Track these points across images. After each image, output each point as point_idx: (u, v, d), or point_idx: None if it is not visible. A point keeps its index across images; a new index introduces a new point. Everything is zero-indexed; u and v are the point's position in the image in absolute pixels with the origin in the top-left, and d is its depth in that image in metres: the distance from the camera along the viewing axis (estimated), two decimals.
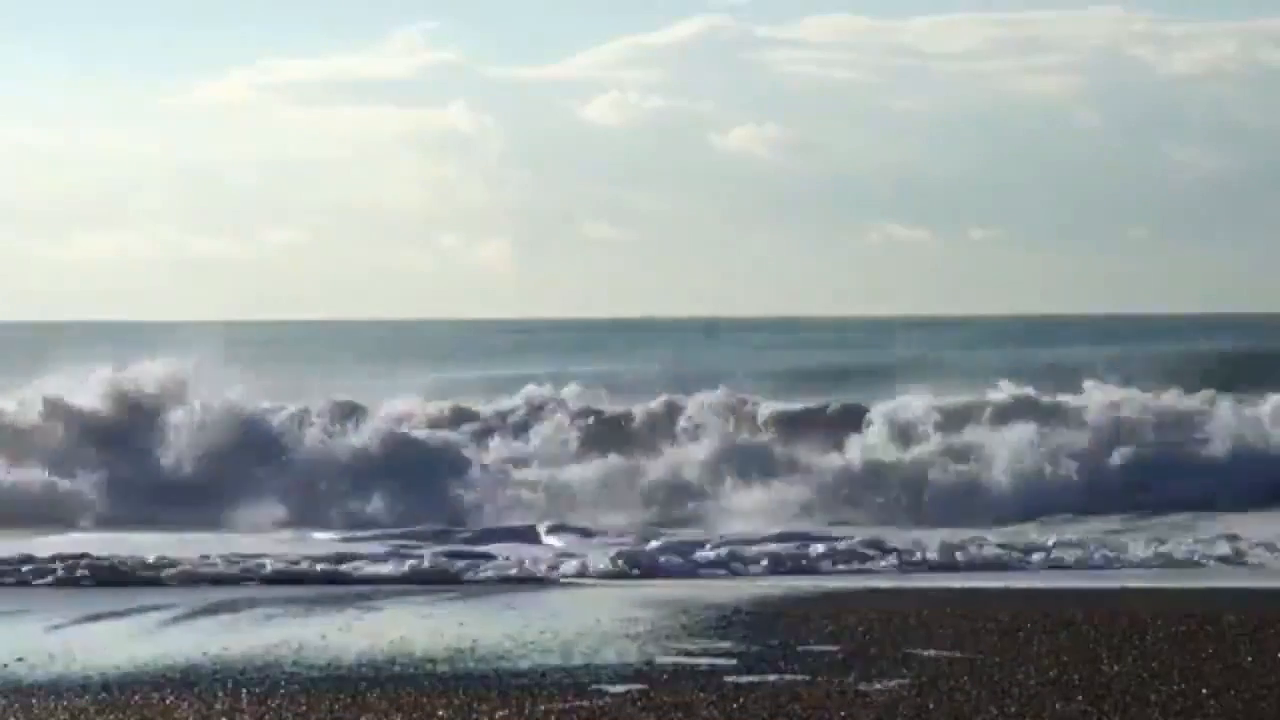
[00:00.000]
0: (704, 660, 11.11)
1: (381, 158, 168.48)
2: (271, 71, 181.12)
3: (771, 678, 10.49)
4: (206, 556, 17.01)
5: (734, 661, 11.07)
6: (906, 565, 17.15)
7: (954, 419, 25.19)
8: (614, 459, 23.99)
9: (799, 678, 10.48)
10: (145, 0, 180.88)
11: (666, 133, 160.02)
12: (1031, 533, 19.59)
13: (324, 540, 19.60)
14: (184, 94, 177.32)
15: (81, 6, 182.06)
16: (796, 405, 26.83)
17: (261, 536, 19.75)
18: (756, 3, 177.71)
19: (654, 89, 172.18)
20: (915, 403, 25.82)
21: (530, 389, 27.32)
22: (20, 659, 11.34)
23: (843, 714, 9.48)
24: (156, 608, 13.90)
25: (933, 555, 17.45)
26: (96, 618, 13.41)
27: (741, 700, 9.83)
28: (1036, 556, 17.62)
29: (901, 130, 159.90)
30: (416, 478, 23.15)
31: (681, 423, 25.37)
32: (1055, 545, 17.99)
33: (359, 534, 20.05)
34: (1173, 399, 26.22)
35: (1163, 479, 23.36)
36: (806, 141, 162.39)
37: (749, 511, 21.76)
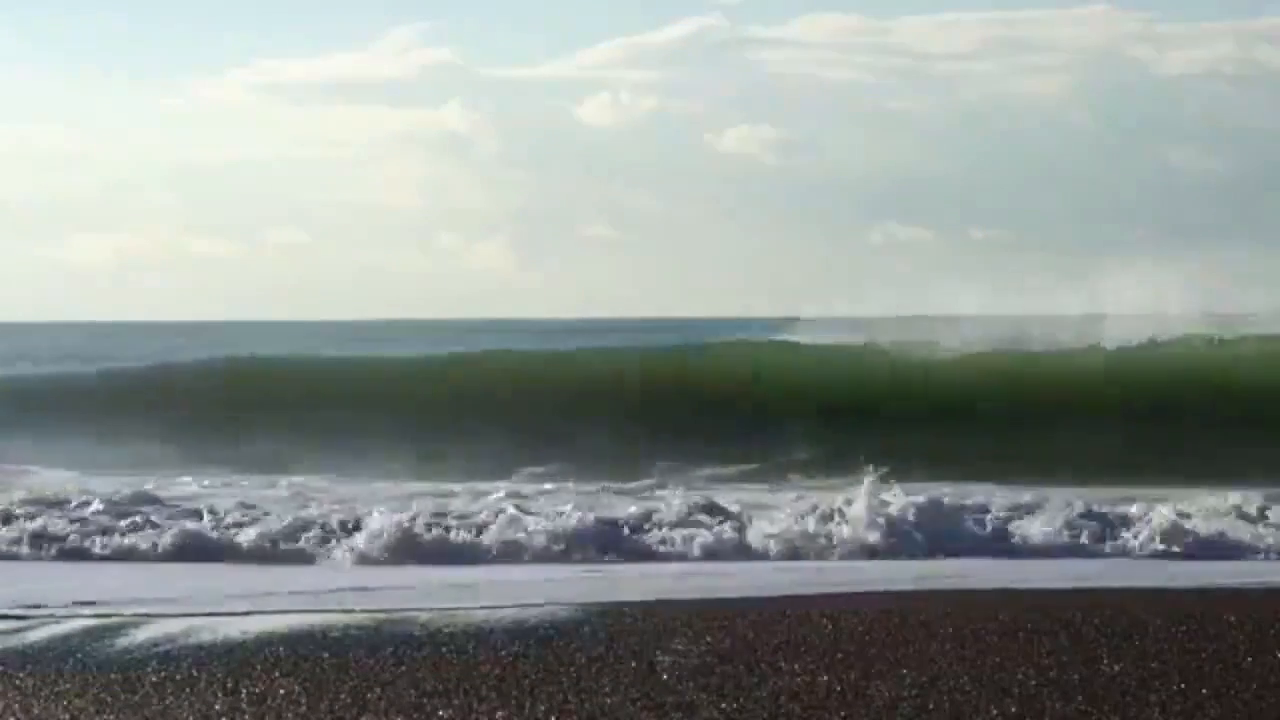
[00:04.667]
0: (704, 659, 11.11)
1: (378, 157, 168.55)
2: (268, 72, 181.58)
3: (771, 678, 10.50)
4: None
5: (734, 661, 11.07)
6: None
7: None
8: None
9: (799, 678, 10.48)
10: (142, 2, 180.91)
11: (662, 133, 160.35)
12: None
13: None
14: (181, 95, 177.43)
15: (79, 8, 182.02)
16: None
17: None
18: (748, 3, 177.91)
19: (648, 89, 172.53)
20: None
21: None
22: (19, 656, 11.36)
23: (843, 714, 9.48)
24: (154, 605, 13.91)
25: None
26: (94, 616, 13.42)
27: (741, 700, 9.84)
28: None
29: (897, 130, 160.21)
30: None
31: None
32: None
33: None
34: None
35: None
36: (802, 141, 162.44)
37: None
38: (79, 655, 11.53)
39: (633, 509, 19.54)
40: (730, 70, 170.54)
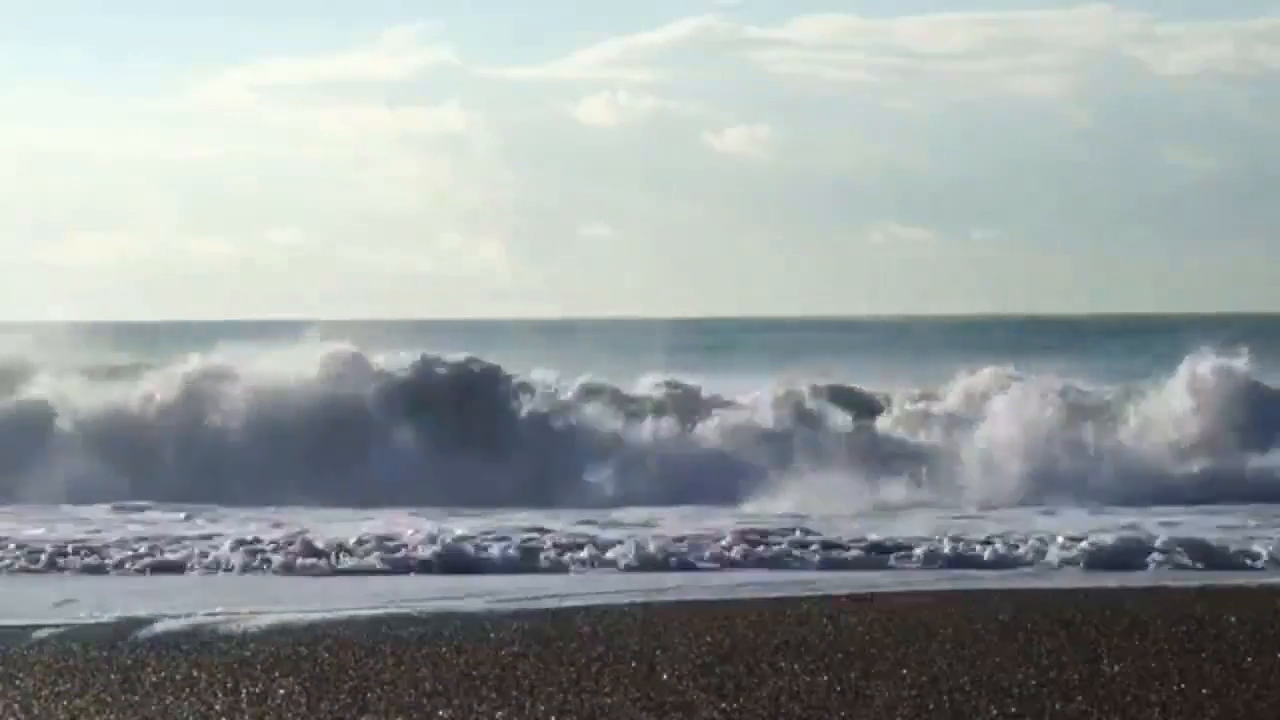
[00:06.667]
0: (704, 659, 11.11)
1: (377, 157, 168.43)
2: (267, 72, 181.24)
3: (771, 678, 10.49)
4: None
5: (734, 661, 11.07)
6: None
7: None
8: None
9: (799, 678, 10.47)
10: (141, 2, 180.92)
11: (661, 133, 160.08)
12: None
13: None
14: (180, 95, 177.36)
15: (78, 8, 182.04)
16: None
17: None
18: (747, 3, 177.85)
19: (647, 89, 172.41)
20: None
21: None
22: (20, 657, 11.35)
23: (843, 714, 9.48)
24: (156, 606, 13.91)
25: None
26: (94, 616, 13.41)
27: (741, 700, 9.83)
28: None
29: (896, 130, 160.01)
30: None
31: None
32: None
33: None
34: None
35: None
36: (801, 142, 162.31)
37: None
38: (81, 655, 11.52)
39: None
40: (729, 70, 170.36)
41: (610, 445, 26.02)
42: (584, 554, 17.37)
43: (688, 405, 27.66)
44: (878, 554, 17.45)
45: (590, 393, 27.85)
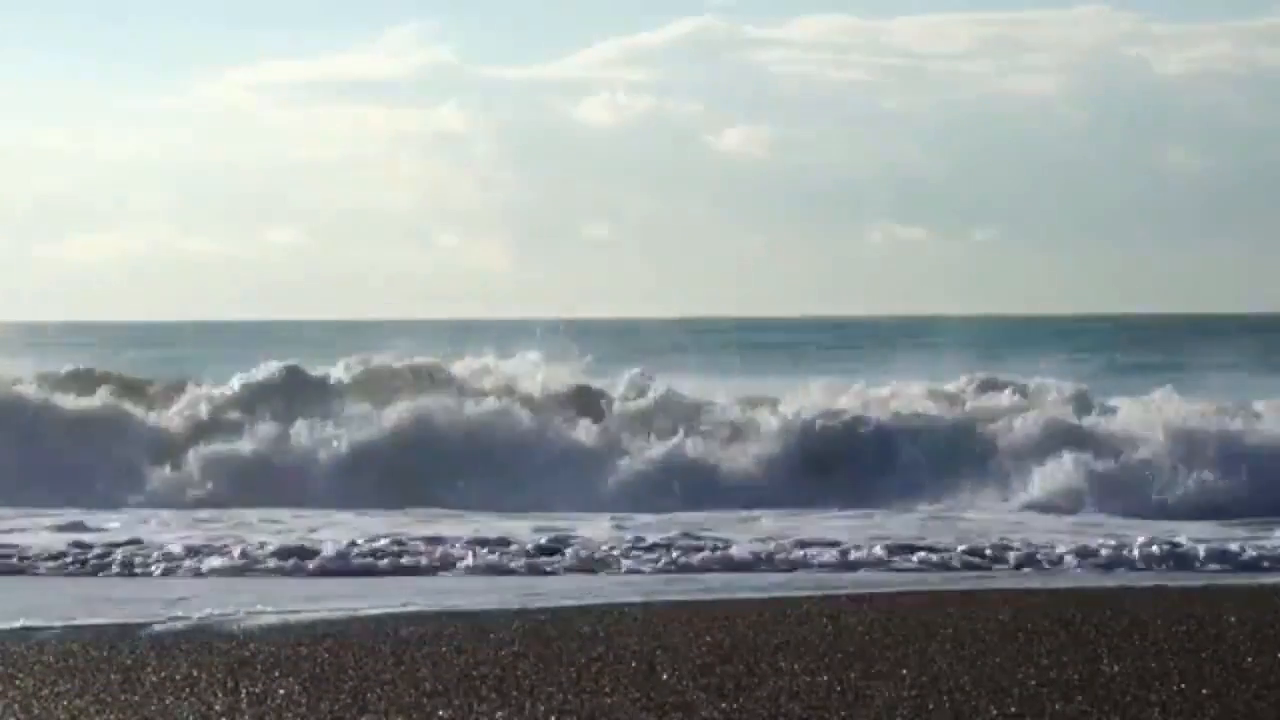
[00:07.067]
0: (704, 659, 11.11)
1: (376, 157, 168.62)
2: (267, 72, 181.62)
3: (771, 678, 10.49)
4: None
5: (734, 661, 11.07)
6: None
7: None
8: None
9: (799, 678, 10.48)
10: (141, 2, 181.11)
11: (659, 133, 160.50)
12: None
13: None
14: (181, 95, 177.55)
15: (78, 8, 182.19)
16: None
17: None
18: (744, 3, 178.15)
19: (646, 89, 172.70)
20: None
21: None
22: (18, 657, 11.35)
23: (843, 714, 9.48)
24: (157, 607, 13.90)
25: None
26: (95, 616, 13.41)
27: (741, 700, 9.84)
28: None
29: (894, 130, 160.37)
30: None
31: None
32: None
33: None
34: None
35: None
36: (800, 142, 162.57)
37: None
38: (81, 655, 11.52)
39: None
40: (728, 70, 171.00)
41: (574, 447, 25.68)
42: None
43: (670, 407, 27.24)
44: (879, 555, 17.40)
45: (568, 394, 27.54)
